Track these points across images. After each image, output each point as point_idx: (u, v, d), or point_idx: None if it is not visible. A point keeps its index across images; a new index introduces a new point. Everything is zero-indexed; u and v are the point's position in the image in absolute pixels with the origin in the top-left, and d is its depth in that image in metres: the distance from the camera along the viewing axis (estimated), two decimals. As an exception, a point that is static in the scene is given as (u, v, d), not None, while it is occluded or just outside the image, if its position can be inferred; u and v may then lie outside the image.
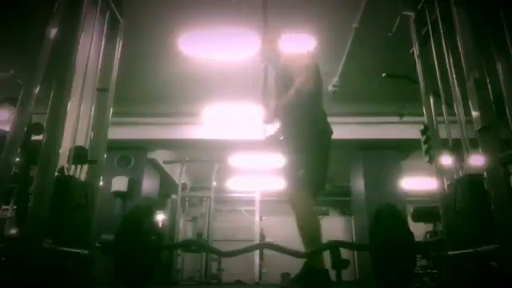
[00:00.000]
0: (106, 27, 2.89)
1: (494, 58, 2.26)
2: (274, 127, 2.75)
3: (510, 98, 2.07)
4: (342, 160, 6.61)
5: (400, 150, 6.35)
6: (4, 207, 5.25)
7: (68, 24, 2.32)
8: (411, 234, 2.16)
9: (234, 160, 7.46)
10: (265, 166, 7.36)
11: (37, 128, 2.20)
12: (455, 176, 2.45)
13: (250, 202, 9.38)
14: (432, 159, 2.77)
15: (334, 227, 9.82)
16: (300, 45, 3.85)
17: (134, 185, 6.10)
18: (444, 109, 2.68)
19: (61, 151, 2.15)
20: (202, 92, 5.30)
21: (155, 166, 7.25)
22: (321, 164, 2.46)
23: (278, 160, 2.58)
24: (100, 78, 2.78)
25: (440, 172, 2.66)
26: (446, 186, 2.57)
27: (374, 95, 5.48)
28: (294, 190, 2.40)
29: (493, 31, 2.29)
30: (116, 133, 3.36)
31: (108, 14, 2.92)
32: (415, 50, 3.01)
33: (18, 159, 2.12)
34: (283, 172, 2.52)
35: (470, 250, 2.09)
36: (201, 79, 5.00)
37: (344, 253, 2.20)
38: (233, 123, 5.95)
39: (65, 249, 2.08)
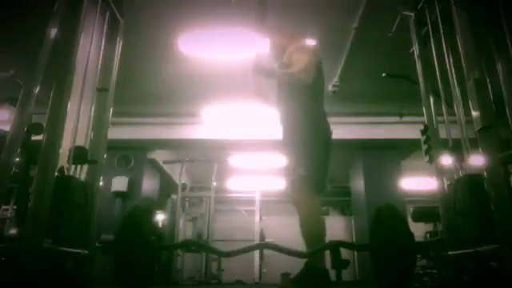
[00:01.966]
0: (106, 27, 2.89)
1: (493, 58, 2.26)
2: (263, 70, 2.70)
3: (510, 98, 2.07)
4: (342, 160, 6.61)
5: (400, 150, 6.35)
6: (4, 207, 5.25)
7: (68, 24, 2.32)
8: (411, 234, 2.17)
9: (234, 160, 7.46)
10: (265, 165, 7.36)
11: (37, 128, 2.20)
12: (455, 176, 2.44)
13: (250, 201, 9.37)
14: (432, 159, 2.77)
15: (333, 227, 9.81)
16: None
17: (133, 185, 6.09)
18: (444, 109, 2.68)
19: (61, 151, 2.15)
20: (201, 92, 5.30)
21: (155, 166, 7.25)
22: (322, 162, 2.46)
23: (279, 160, 2.58)
24: (100, 78, 2.77)
25: (440, 172, 2.65)
26: (446, 186, 2.56)
27: (374, 95, 5.48)
28: (296, 189, 2.40)
29: (493, 31, 2.29)
30: (116, 133, 3.36)
31: (108, 13, 2.91)
32: (415, 49, 3.01)
33: (17, 159, 2.12)
34: (284, 171, 2.52)
35: (470, 250, 2.09)
36: (200, 79, 5.00)
37: (344, 253, 2.20)
38: (233, 123, 5.95)
39: (65, 249, 2.07)
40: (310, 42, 3.94)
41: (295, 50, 2.63)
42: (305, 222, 2.31)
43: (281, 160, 2.57)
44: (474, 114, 2.09)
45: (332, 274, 2.22)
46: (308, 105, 2.51)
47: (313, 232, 2.30)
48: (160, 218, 8.18)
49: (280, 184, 7.71)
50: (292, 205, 2.41)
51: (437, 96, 2.77)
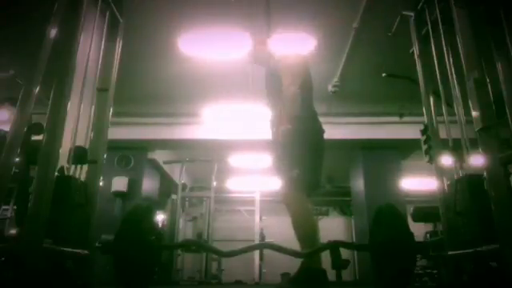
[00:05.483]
0: (106, 27, 2.89)
1: (493, 58, 2.26)
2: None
3: (510, 98, 2.07)
4: (342, 160, 6.61)
5: (400, 150, 6.35)
6: (4, 207, 5.26)
7: (68, 24, 2.32)
8: (411, 234, 2.16)
9: (234, 160, 7.46)
10: (265, 165, 7.35)
11: (37, 128, 2.20)
12: (455, 176, 2.45)
13: (250, 201, 9.37)
14: (432, 159, 2.77)
15: (333, 227, 9.82)
16: (293, 45, 3.85)
17: (133, 185, 6.09)
18: (444, 109, 2.68)
19: (61, 151, 2.15)
20: (201, 92, 5.30)
21: (155, 166, 7.25)
22: (315, 164, 2.46)
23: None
24: (100, 78, 2.77)
25: (440, 172, 2.66)
26: (445, 186, 2.57)
27: (374, 95, 5.48)
28: (288, 190, 2.40)
29: (493, 31, 2.29)
30: (116, 133, 3.35)
31: (108, 13, 2.91)
32: (415, 49, 3.01)
33: (18, 159, 2.12)
34: (277, 173, 2.52)
35: (470, 250, 2.09)
36: (201, 79, 5.00)
37: (344, 253, 2.20)
38: (233, 123, 5.95)
39: (65, 249, 2.08)
40: (309, 45, 3.96)
41: (281, 58, 2.66)
42: (297, 222, 2.31)
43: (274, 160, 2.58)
44: (474, 113, 2.09)
45: (332, 274, 2.22)
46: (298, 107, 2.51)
47: (306, 232, 2.30)
48: (160, 217, 8.18)
49: (279, 184, 7.70)
50: (284, 205, 2.41)
51: (437, 96, 2.77)
